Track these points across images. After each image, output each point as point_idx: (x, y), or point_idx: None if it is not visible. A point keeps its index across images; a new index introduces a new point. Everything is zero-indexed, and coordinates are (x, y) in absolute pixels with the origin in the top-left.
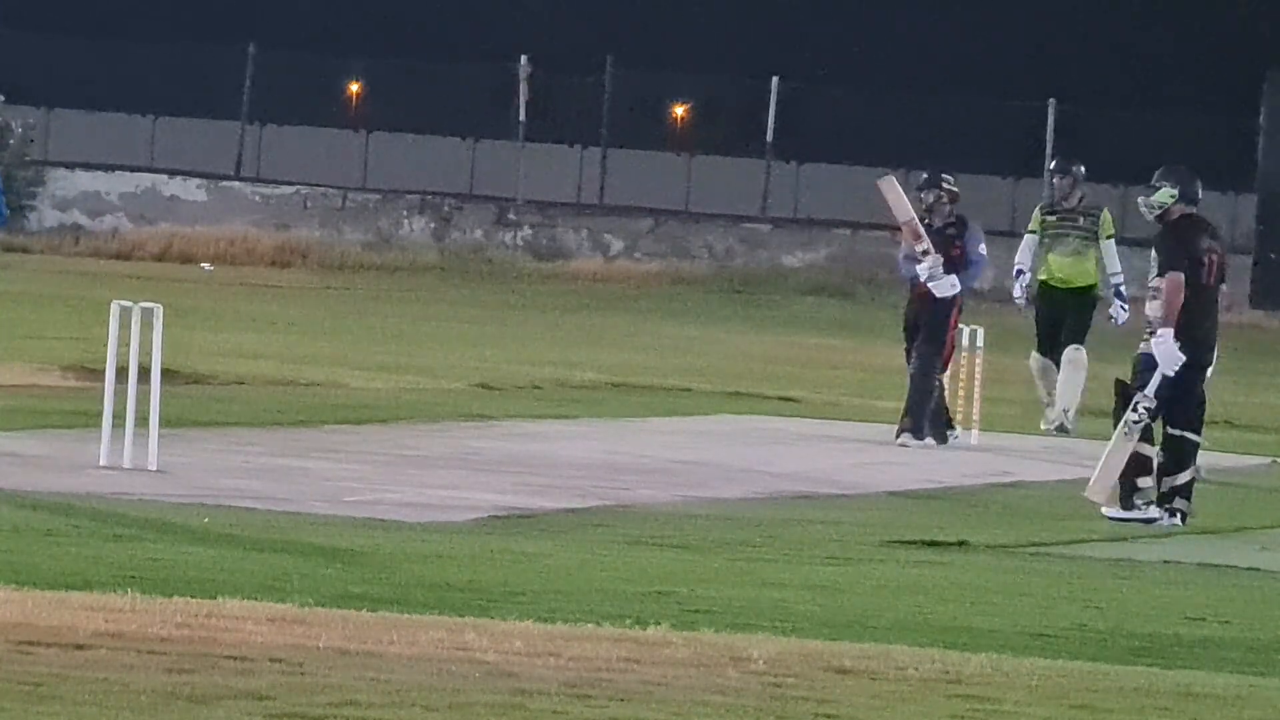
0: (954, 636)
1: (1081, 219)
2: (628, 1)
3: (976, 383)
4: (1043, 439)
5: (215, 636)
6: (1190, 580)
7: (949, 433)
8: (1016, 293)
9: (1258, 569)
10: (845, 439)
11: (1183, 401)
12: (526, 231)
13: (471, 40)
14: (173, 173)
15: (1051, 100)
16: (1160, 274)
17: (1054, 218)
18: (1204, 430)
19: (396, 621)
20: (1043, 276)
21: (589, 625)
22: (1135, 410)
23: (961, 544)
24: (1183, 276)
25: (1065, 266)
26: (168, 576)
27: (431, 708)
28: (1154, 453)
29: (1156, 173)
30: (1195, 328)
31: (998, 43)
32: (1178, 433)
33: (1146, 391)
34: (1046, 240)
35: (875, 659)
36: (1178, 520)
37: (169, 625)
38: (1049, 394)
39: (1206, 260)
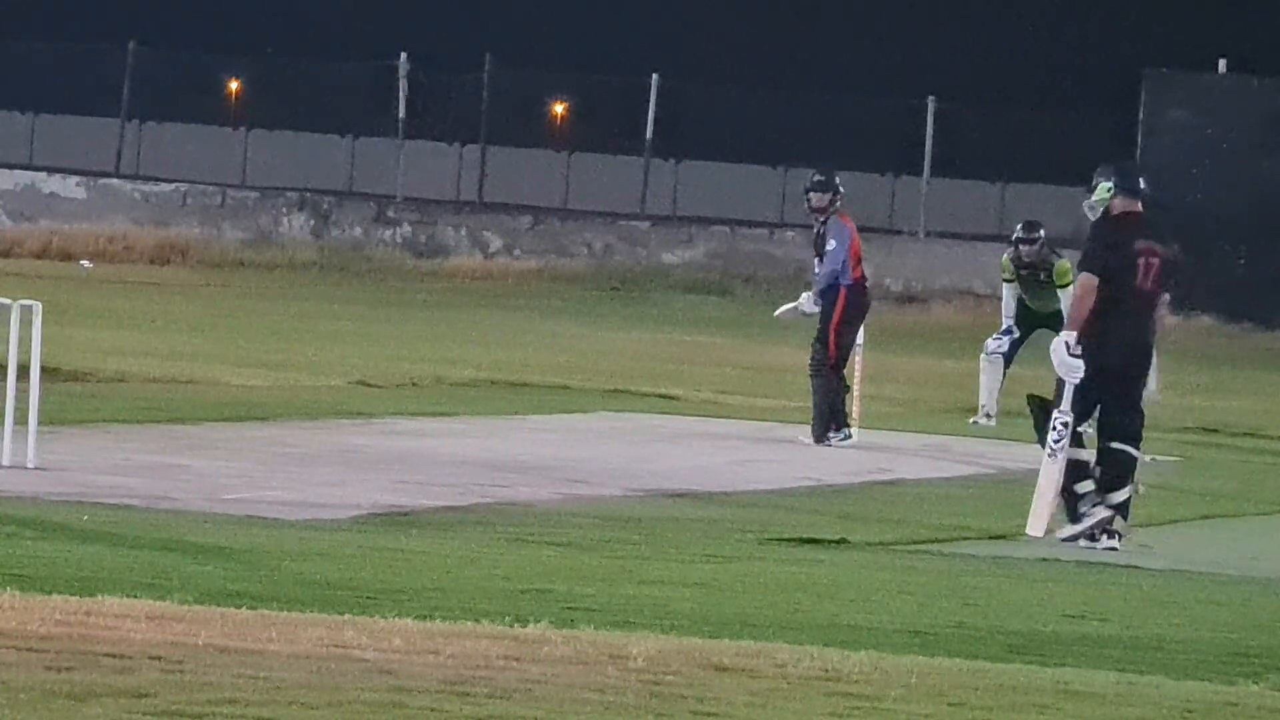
0: (833, 634)
1: (1042, 274)
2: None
3: (856, 380)
4: (922, 437)
5: (94, 634)
6: (1068, 578)
7: (836, 434)
8: (1004, 348)
9: (1136, 566)
10: (724, 436)
11: (1118, 413)
12: (406, 229)
13: (351, 38)
14: (52, 170)
15: (931, 97)
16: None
17: (1025, 272)
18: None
19: (275, 619)
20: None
21: (468, 623)
22: (1054, 429)
23: (841, 542)
24: (1095, 278)
25: (1041, 305)
26: (47, 574)
27: (311, 705)
28: (1088, 455)
29: (1096, 171)
30: (1119, 332)
31: (876, 40)
32: (1116, 446)
33: (1062, 406)
34: (1019, 287)
35: (754, 657)
36: (1115, 543)
37: (48, 623)
38: (990, 395)
39: (1141, 262)
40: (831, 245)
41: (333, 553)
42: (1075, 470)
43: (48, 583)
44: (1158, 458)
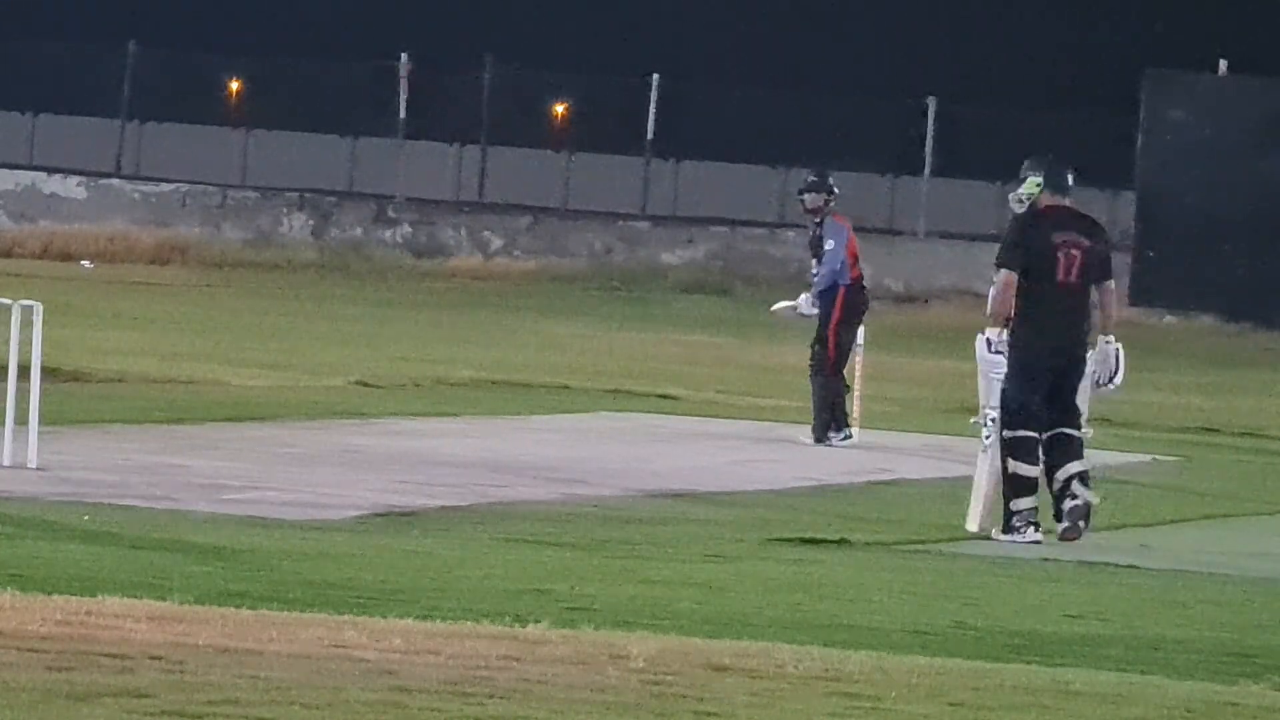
0: (834, 634)
1: None
2: (507, 0)
3: (857, 380)
4: (922, 437)
5: (95, 634)
6: (1069, 578)
7: (836, 434)
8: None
9: (1136, 566)
10: (724, 436)
11: (1054, 403)
12: (406, 229)
13: (352, 38)
14: (52, 170)
15: (931, 97)
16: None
17: None
18: (1085, 427)
19: (276, 619)
20: None
21: (468, 623)
22: (983, 425)
23: (841, 542)
24: (1011, 274)
25: None
26: (47, 574)
27: (311, 705)
28: (1035, 471)
29: (1024, 164)
30: (1047, 327)
31: (876, 40)
32: (1057, 432)
33: (992, 401)
34: None
35: (755, 657)
36: (1079, 502)
37: (49, 623)
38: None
39: (1061, 256)
40: (829, 246)
41: (333, 553)
42: (1019, 485)
43: (48, 583)
44: (1158, 457)
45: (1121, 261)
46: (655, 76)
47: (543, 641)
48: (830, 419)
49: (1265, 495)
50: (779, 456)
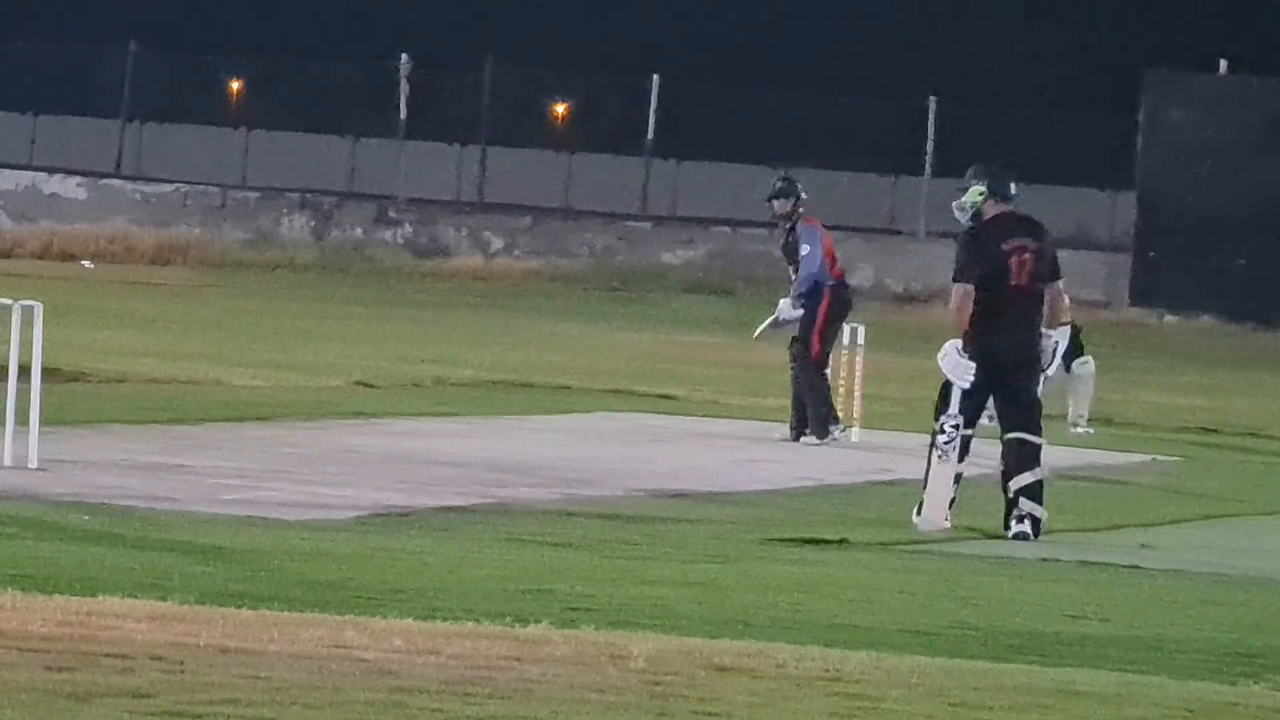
0: (834, 634)
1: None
2: (507, 0)
3: (857, 380)
4: (922, 437)
5: (96, 634)
6: (1070, 578)
7: (833, 428)
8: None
9: (1137, 566)
10: (725, 436)
11: (1014, 405)
12: (406, 229)
13: (352, 39)
14: (53, 170)
15: (932, 98)
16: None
17: None
18: (1043, 431)
19: (276, 619)
20: None
21: (469, 623)
22: (943, 431)
23: (841, 542)
24: (968, 287)
25: None
26: (48, 574)
27: (311, 705)
28: (961, 467)
29: (967, 172)
30: (1003, 330)
31: (878, 40)
32: (1014, 436)
33: (950, 410)
34: None
35: (755, 657)
36: (1026, 527)
37: (49, 623)
38: None
39: (1013, 261)
40: (806, 250)
41: (333, 553)
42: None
43: (49, 583)
44: (1158, 457)
45: (1122, 261)
46: (655, 76)
47: (543, 641)
48: (828, 414)
49: (1265, 495)
50: (779, 456)
